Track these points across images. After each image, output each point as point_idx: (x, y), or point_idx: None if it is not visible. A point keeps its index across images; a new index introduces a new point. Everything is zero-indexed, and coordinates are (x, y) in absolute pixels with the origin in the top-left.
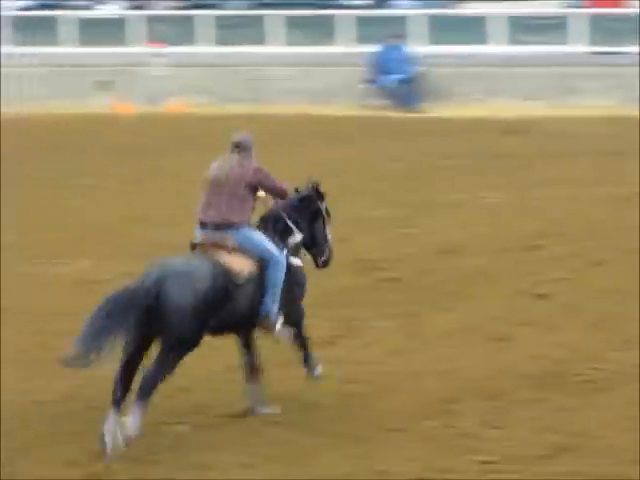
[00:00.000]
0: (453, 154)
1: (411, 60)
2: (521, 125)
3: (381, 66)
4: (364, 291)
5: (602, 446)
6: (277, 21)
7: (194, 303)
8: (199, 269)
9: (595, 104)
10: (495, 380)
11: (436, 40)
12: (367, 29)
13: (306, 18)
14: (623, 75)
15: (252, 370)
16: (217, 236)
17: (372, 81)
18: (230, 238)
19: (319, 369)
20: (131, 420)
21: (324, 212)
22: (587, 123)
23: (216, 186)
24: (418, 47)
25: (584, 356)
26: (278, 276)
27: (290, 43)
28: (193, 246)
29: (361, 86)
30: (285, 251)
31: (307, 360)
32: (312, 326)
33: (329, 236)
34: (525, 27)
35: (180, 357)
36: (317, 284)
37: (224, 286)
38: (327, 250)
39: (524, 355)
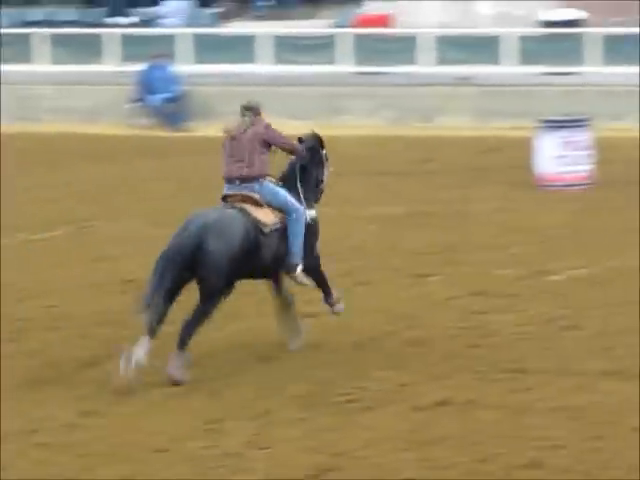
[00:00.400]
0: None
1: (176, 79)
2: None
3: (147, 85)
4: (130, 313)
5: (366, 465)
6: (42, 39)
7: (231, 255)
8: (233, 222)
9: (362, 124)
10: (260, 400)
11: (202, 59)
12: (134, 48)
13: (72, 37)
14: (390, 95)
15: (284, 306)
16: (244, 190)
17: (139, 100)
18: (256, 193)
19: (341, 306)
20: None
21: (324, 158)
22: (355, 143)
23: (234, 144)
24: (184, 66)
25: (349, 375)
26: (299, 228)
27: (56, 61)
28: (224, 198)
29: (128, 105)
30: (304, 204)
31: (328, 298)
32: (76, 347)
33: (325, 177)
34: (292, 47)
35: (215, 305)
36: (83, 303)
37: (255, 236)
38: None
39: (290, 374)
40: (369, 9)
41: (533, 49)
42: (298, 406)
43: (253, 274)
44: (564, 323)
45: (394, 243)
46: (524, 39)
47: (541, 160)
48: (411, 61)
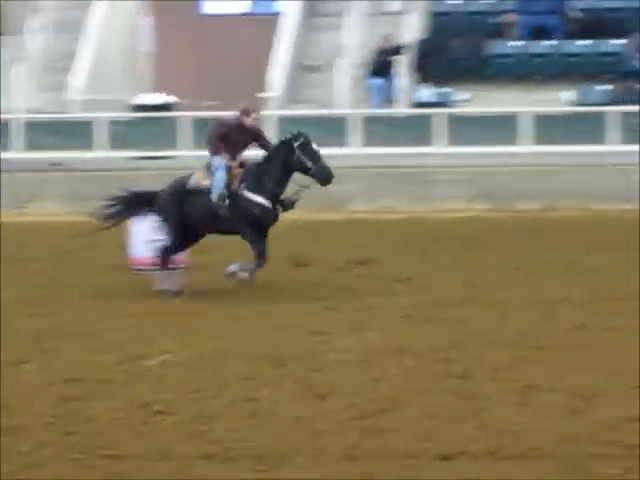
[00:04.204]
0: None
1: None
2: None
3: None
4: None
5: None
6: None
7: None
8: None
9: None
10: None
11: None
12: None
13: None
14: None
15: None
16: None
17: None
18: None
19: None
20: None
21: None
22: None
23: None
24: None
25: None
26: None
27: None
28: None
29: None
30: None
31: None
32: None
33: None
34: None
35: None
36: None
37: None
38: None
39: None
40: None
41: (125, 133)
42: None
43: None
44: (159, 407)
45: None
46: (115, 123)
47: (134, 244)
48: (3, 147)
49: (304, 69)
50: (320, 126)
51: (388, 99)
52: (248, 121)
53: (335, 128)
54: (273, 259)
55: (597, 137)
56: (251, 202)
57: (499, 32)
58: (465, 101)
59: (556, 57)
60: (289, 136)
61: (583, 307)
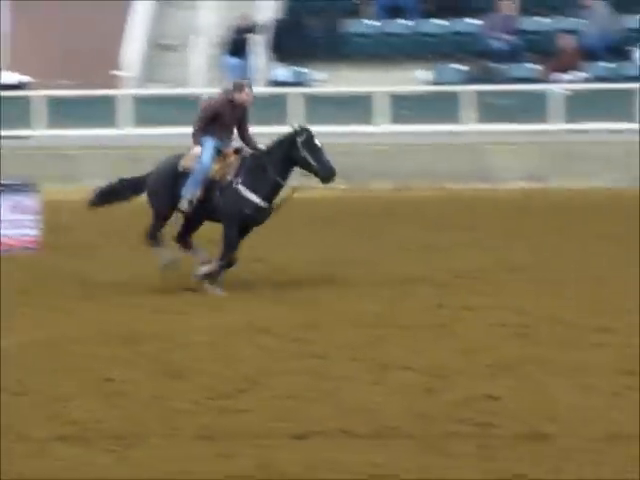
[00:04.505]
0: None
1: None
2: None
3: None
4: None
5: None
6: None
7: None
8: None
9: None
10: None
11: None
12: None
13: None
14: None
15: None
16: None
17: None
18: None
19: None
20: None
21: None
22: None
23: None
24: None
25: None
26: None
27: None
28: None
29: None
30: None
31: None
32: None
33: None
34: None
35: None
36: None
37: None
38: None
39: None
40: None
41: None
42: None
43: None
44: (14, 389)
45: None
46: None
47: None
48: None
49: (160, 48)
50: (175, 105)
51: (244, 78)
52: (242, 96)
53: (190, 108)
54: (129, 238)
55: (452, 116)
56: (245, 200)
57: (355, 11)
58: (321, 81)
59: (412, 36)
60: (292, 130)
61: (439, 286)
